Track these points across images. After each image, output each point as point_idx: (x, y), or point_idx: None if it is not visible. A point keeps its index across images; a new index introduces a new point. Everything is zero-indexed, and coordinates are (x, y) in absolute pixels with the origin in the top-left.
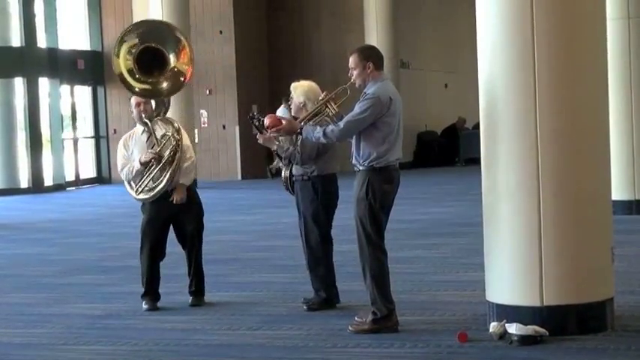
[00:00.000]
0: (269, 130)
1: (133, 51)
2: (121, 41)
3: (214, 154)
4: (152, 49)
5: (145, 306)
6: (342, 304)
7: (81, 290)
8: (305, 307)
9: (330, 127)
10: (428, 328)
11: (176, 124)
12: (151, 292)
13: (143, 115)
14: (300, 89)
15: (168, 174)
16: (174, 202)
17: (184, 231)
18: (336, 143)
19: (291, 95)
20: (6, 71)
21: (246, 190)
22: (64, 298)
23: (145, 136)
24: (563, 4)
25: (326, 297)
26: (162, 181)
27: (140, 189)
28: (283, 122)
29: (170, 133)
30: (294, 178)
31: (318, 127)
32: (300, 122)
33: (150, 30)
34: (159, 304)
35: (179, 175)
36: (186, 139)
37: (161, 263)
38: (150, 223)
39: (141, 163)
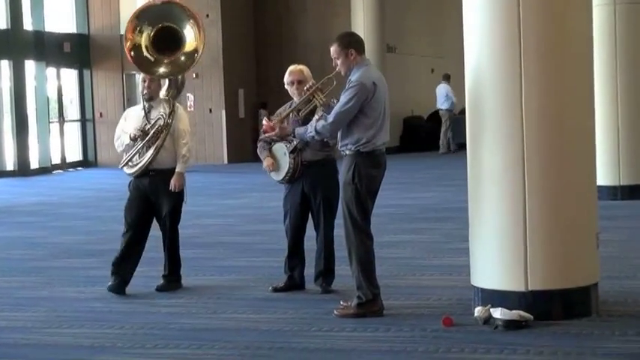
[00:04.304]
0: (266, 135)
1: (150, 32)
2: (139, 17)
3: (200, 138)
4: (170, 30)
5: (109, 283)
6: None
7: (67, 273)
8: (321, 291)
9: (321, 122)
10: (413, 313)
11: (174, 107)
12: (119, 272)
13: (145, 92)
14: (307, 71)
15: (150, 152)
16: (172, 189)
17: (160, 213)
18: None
19: (290, 80)
20: None
21: (233, 174)
22: (50, 281)
23: (142, 113)
24: None
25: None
26: (144, 158)
27: (125, 162)
28: (277, 129)
29: (162, 113)
30: (306, 163)
31: (309, 127)
32: (284, 119)
33: (166, 12)
34: (136, 290)
35: (167, 156)
36: (183, 124)
37: (147, 245)
38: (130, 201)
39: (130, 138)
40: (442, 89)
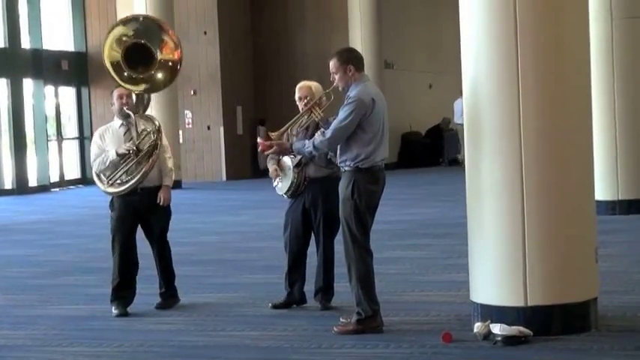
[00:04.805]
0: (265, 153)
1: (121, 46)
2: (109, 35)
3: (199, 154)
4: (139, 45)
5: (114, 311)
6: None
7: (65, 291)
8: (320, 307)
9: (319, 138)
10: (412, 329)
11: (157, 122)
12: (121, 296)
13: (125, 108)
14: (316, 88)
15: (144, 169)
16: (161, 203)
17: (152, 230)
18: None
19: (298, 96)
20: None
21: (231, 191)
22: (48, 299)
23: (122, 130)
24: (546, 6)
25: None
26: (136, 175)
27: (112, 181)
28: (275, 146)
29: (150, 129)
30: (309, 179)
31: (307, 142)
32: (282, 135)
33: (136, 26)
34: (135, 308)
35: (156, 173)
36: (165, 139)
37: (143, 264)
38: (119, 220)
39: (118, 154)
40: (459, 104)
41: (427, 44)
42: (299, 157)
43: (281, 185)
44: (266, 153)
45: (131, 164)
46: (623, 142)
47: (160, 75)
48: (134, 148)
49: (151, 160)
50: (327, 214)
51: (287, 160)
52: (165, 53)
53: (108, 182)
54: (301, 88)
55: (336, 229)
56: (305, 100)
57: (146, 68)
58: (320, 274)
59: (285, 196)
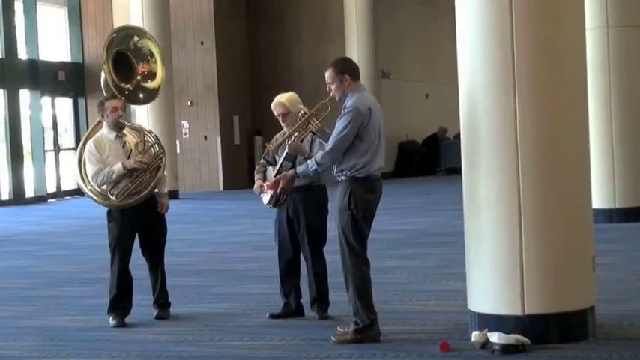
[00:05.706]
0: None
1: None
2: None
3: (196, 165)
4: (122, 54)
5: (112, 322)
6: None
7: (62, 302)
8: (317, 317)
9: (319, 154)
10: (410, 338)
11: (153, 133)
12: (119, 307)
13: (121, 120)
14: (290, 101)
15: (155, 181)
16: (161, 210)
17: (154, 239)
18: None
19: (278, 113)
20: None
21: (228, 201)
22: (44, 310)
23: (118, 142)
24: (543, 14)
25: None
26: (146, 187)
27: (122, 194)
28: (280, 182)
29: (152, 141)
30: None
31: (308, 162)
32: (280, 145)
33: (119, 36)
34: (133, 318)
35: (159, 183)
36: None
37: (141, 274)
38: (121, 232)
39: (126, 168)
40: None
41: (423, 54)
42: (277, 167)
43: (265, 196)
44: (279, 191)
45: (142, 177)
46: (620, 150)
47: (145, 82)
48: (146, 161)
49: (159, 173)
50: (309, 229)
51: (270, 172)
52: (144, 63)
53: (115, 196)
54: (275, 106)
55: (321, 243)
56: (287, 116)
57: (129, 77)
58: (313, 285)
59: (270, 207)
